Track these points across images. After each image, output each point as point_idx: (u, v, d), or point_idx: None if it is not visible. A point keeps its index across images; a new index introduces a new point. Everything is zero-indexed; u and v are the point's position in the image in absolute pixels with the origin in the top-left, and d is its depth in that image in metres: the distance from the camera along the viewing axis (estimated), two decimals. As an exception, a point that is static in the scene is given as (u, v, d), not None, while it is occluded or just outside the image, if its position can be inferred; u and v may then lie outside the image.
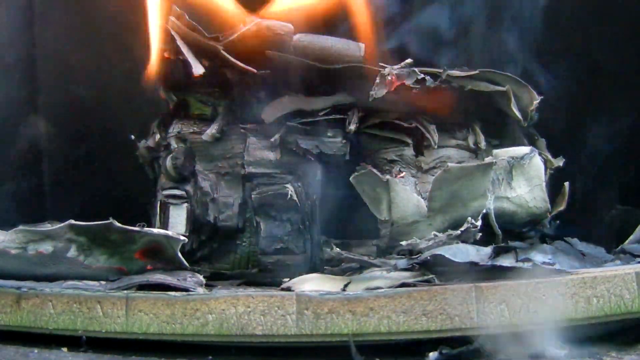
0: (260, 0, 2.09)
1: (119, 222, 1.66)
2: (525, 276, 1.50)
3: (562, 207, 2.05)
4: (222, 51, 1.92)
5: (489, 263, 1.58)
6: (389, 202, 1.83)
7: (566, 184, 2.07)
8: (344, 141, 1.93)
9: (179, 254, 1.73)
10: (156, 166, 2.08)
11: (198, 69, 1.89)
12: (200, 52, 1.95)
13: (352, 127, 1.92)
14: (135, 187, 2.24)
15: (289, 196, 1.89)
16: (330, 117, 1.95)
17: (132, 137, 2.12)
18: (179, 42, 1.91)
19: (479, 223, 1.74)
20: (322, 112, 1.95)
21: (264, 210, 1.92)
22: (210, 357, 1.51)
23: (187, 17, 1.94)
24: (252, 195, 1.92)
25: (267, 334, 1.48)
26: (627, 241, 1.94)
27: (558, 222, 2.08)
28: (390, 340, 1.47)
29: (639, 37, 2.42)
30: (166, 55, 1.98)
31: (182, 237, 1.73)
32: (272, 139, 1.94)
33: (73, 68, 2.50)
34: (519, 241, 1.81)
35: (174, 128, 2.03)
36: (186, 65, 1.93)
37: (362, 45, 2.00)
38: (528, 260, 1.58)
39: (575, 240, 1.89)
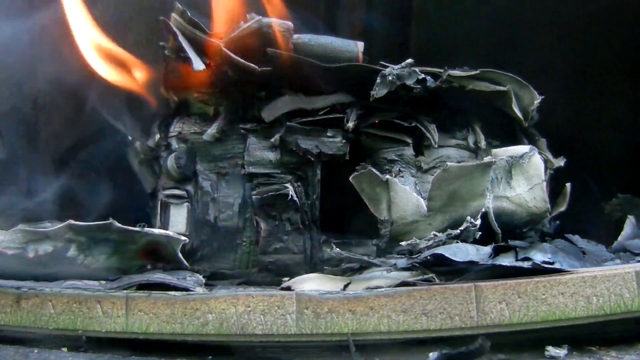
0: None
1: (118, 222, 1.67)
2: (525, 275, 1.50)
3: (562, 208, 2.05)
4: (223, 48, 1.92)
5: (489, 262, 1.58)
6: (388, 202, 1.83)
7: (567, 184, 2.07)
8: (344, 141, 1.93)
9: (179, 254, 1.73)
10: (156, 166, 2.09)
11: (198, 65, 1.89)
12: (202, 49, 1.95)
13: (351, 124, 1.92)
14: (135, 187, 2.24)
15: (289, 196, 1.89)
16: (330, 116, 1.95)
17: (130, 137, 2.12)
18: (181, 39, 1.91)
19: (478, 222, 1.74)
20: (322, 111, 1.95)
21: (264, 210, 1.92)
22: (210, 357, 1.51)
23: (188, 13, 1.94)
24: (252, 195, 1.92)
25: (267, 333, 1.48)
26: (620, 236, 1.94)
27: (558, 222, 2.08)
28: (390, 339, 1.47)
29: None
30: (167, 52, 1.98)
31: (182, 237, 1.74)
32: (272, 139, 1.94)
33: (73, 68, 2.50)
34: (518, 240, 1.81)
35: (175, 128, 2.03)
36: (187, 62, 1.93)
37: (361, 44, 2.00)
38: (528, 259, 1.57)
39: (576, 237, 1.89)
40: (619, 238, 1.93)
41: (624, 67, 2.53)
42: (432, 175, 1.85)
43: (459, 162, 1.93)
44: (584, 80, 2.52)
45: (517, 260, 1.58)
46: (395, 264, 1.68)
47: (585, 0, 2.48)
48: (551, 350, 1.46)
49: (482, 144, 1.99)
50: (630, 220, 2.00)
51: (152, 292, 1.55)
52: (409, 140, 1.97)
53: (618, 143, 2.52)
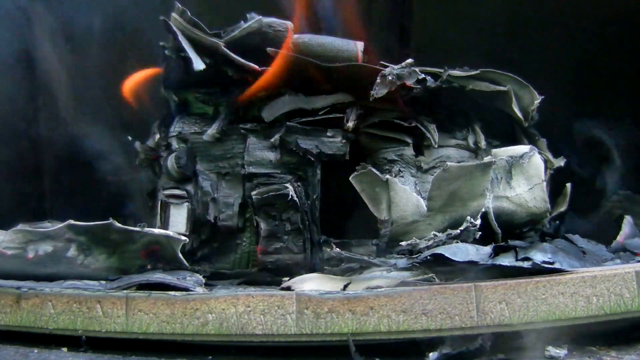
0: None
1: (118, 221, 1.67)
2: (525, 275, 1.50)
3: (563, 208, 2.05)
4: (223, 47, 1.92)
5: (489, 262, 1.58)
6: (388, 202, 1.83)
7: (568, 184, 2.07)
8: (344, 141, 1.93)
9: (179, 254, 1.73)
10: (156, 166, 2.09)
11: (199, 64, 1.89)
12: (202, 49, 1.94)
13: (350, 124, 1.92)
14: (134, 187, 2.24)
15: (289, 196, 1.89)
16: (330, 115, 1.95)
17: (129, 138, 2.12)
18: (181, 38, 1.91)
19: (478, 222, 1.74)
20: (322, 111, 1.95)
21: (264, 210, 1.92)
22: (210, 357, 1.51)
23: (189, 13, 1.94)
24: (252, 195, 1.92)
25: (267, 333, 1.48)
26: (619, 236, 1.94)
27: (558, 222, 2.08)
28: (390, 339, 1.47)
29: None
30: (167, 52, 1.98)
31: (182, 237, 1.74)
32: (272, 139, 1.94)
33: (73, 68, 2.50)
34: (518, 240, 1.81)
35: (175, 128, 2.03)
36: (187, 62, 1.93)
37: (360, 44, 2.00)
38: (528, 259, 1.57)
39: (576, 237, 1.89)
40: (618, 238, 1.94)
41: (625, 67, 2.53)
42: (432, 175, 1.85)
43: (459, 162, 1.93)
44: (585, 80, 2.52)
45: (517, 260, 1.58)
46: (395, 264, 1.68)
47: (586, 1, 2.49)
48: (551, 350, 1.46)
49: (482, 144, 2.00)
50: (627, 220, 2.00)
51: (152, 292, 1.55)
52: (409, 140, 1.97)
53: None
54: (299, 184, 1.94)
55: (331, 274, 1.78)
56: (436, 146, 1.96)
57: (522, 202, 1.86)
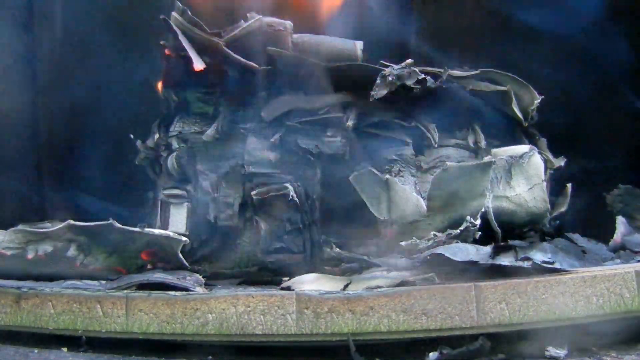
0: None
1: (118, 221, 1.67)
2: (525, 275, 1.50)
3: (563, 208, 2.05)
4: (223, 47, 1.92)
5: (489, 262, 1.58)
6: (388, 202, 1.83)
7: (568, 185, 2.07)
8: (344, 141, 1.93)
9: (179, 254, 1.73)
10: (156, 166, 2.08)
11: (199, 64, 1.89)
12: (202, 48, 1.94)
13: (350, 123, 1.92)
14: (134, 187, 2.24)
15: (289, 196, 1.89)
16: (330, 115, 1.95)
17: (132, 136, 2.12)
18: (181, 38, 1.91)
19: (478, 222, 1.74)
20: (322, 110, 1.95)
21: (264, 210, 1.92)
22: (210, 357, 1.51)
23: (189, 12, 1.94)
24: (253, 195, 1.92)
25: (267, 333, 1.48)
26: (616, 235, 1.94)
27: (558, 222, 2.08)
28: (390, 339, 1.47)
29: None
30: (167, 52, 1.98)
31: (182, 238, 1.73)
32: (272, 139, 1.94)
33: (73, 68, 2.50)
34: (518, 240, 1.80)
35: (175, 128, 2.03)
36: (187, 61, 1.92)
37: (360, 43, 2.00)
38: (528, 259, 1.57)
39: (576, 236, 1.89)
40: (615, 237, 1.94)
41: (625, 66, 2.53)
42: (432, 174, 1.85)
43: (458, 161, 1.93)
44: (585, 79, 2.52)
45: (517, 260, 1.58)
46: (395, 264, 1.68)
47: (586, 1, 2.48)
48: (551, 350, 1.46)
49: (482, 143, 2.00)
50: (620, 220, 2.00)
51: (152, 292, 1.55)
52: (409, 140, 1.97)
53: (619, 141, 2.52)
54: (299, 184, 1.94)
55: (331, 274, 1.78)
56: (436, 146, 1.96)
57: (522, 202, 1.85)
